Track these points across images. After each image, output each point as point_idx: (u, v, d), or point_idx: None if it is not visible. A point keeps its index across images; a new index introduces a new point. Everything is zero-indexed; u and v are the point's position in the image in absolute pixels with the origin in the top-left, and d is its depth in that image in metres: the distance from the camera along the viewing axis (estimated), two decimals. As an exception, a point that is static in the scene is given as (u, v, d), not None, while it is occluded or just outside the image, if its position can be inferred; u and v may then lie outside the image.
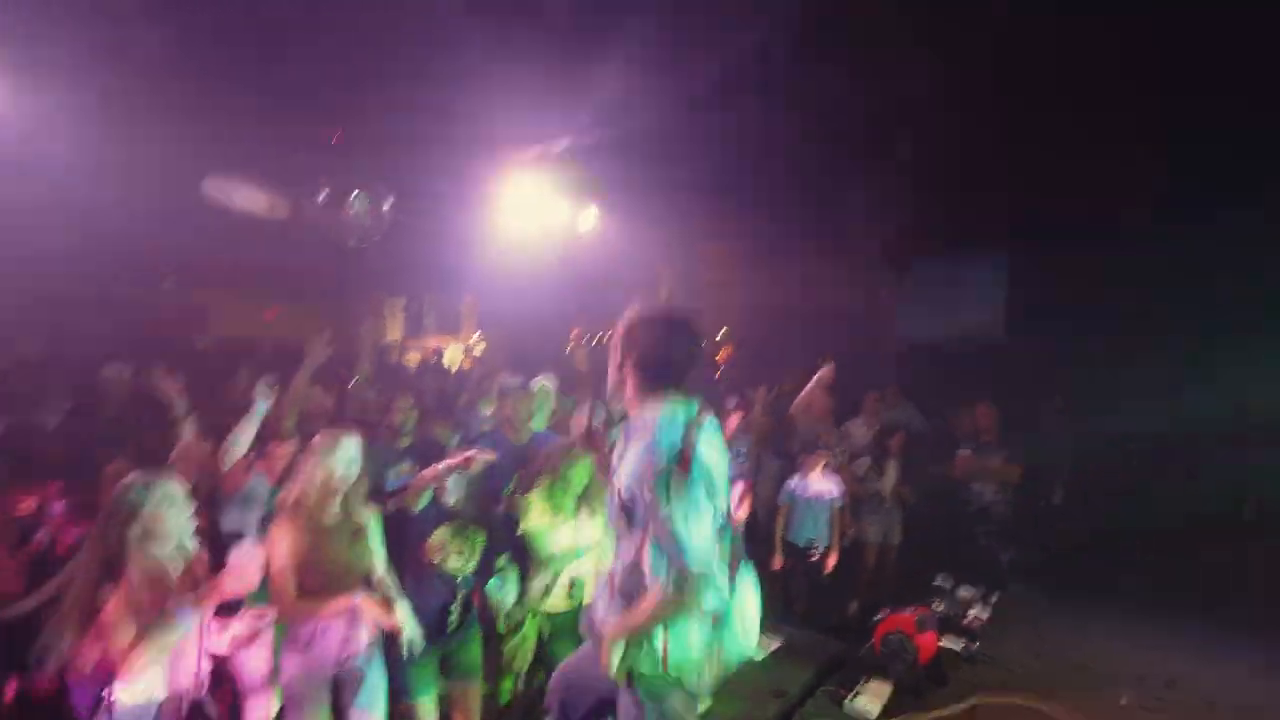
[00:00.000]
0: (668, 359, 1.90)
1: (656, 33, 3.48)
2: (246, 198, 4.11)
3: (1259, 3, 3.16)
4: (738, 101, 4.18)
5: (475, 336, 12.00)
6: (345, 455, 2.58)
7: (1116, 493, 5.07)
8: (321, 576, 2.49)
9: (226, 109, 3.69)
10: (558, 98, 4.25)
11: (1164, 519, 4.95)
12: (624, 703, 1.94)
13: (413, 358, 9.92)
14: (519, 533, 3.17)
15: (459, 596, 2.92)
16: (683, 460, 1.77)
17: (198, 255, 6.37)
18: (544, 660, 3.14)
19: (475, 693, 2.99)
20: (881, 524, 5.09)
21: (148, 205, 4.59)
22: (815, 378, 4.39)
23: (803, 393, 4.54)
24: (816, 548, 4.55)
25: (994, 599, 4.37)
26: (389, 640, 2.64)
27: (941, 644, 3.58)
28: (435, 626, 2.85)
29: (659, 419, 1.85)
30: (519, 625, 3.09)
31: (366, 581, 2.62)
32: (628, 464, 1.85)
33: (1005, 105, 4.37)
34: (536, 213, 6.20)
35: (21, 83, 3.44)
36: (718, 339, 9.27)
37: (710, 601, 1.77)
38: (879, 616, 3.50)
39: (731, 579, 1.89)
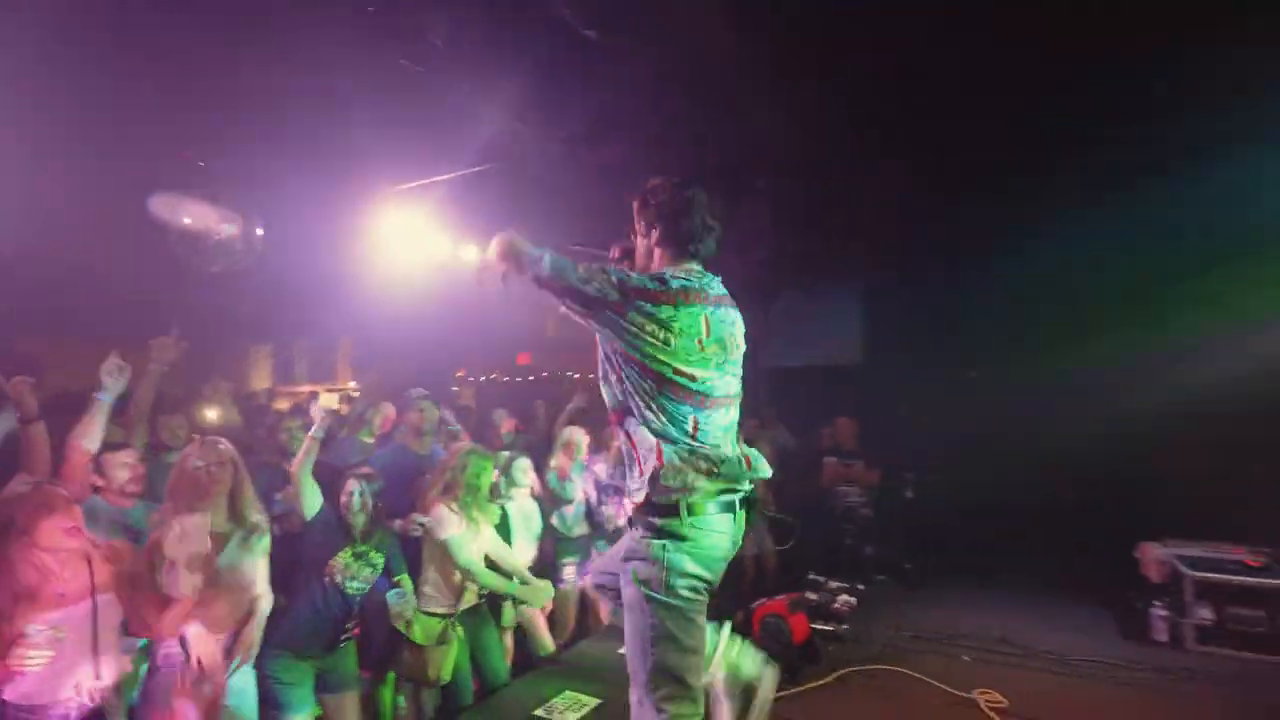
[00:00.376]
0: (695, 224, 1.99)
1: (532, 68, 3.73)
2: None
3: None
4: (612, 137, 4.50)
5: (352, 384, 11.52)
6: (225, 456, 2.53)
7: (960, 489, 5.72)
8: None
9: (79, 128, 3.53)
10: (434, 130, 4.38)
11: (1001, 509, 5.63)
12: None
13: (281, 405, 9.37)
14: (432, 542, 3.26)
15: (354, 615, 2.94)
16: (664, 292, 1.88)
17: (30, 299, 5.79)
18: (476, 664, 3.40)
19: (353, 702, 3.00)
20: (754, 536, 5.44)
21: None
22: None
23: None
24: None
25: (860, 588, 4.77)
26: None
27: (814, 626, 3.87)
28: (325, 644, 2.84)
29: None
30: (443, 635, 3.13)
31: (246, 595, 2.54)
32: None
33: (859, 147, 4.94)
34: (416, 249, 6.16)
35: None
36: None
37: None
38: (755, 604, 3.74)
39: None
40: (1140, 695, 3.43)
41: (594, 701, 3.24)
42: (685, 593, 1.89)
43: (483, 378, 10.22)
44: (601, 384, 2.05)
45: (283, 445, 3.68)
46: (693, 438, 1.91)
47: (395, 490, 3.39)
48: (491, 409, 6.15)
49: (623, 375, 1.94)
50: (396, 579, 3.11)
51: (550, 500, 4.31)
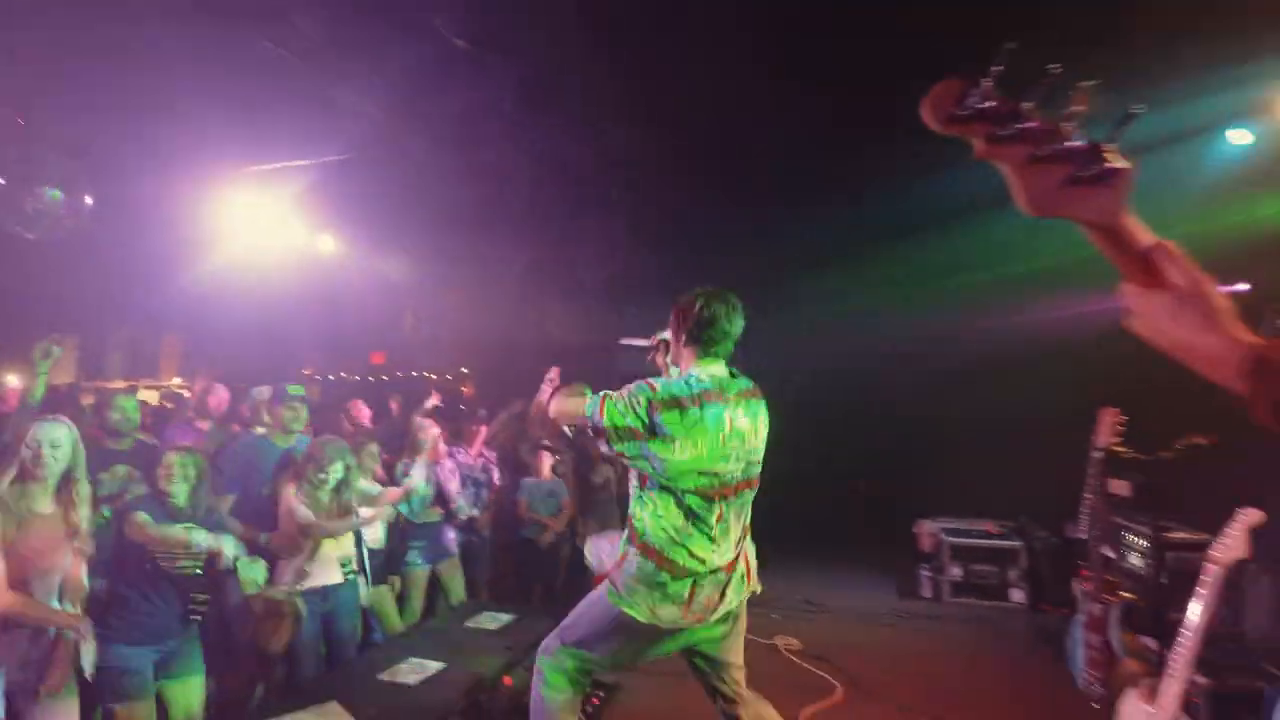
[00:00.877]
0: (710, 328, 2.21)
1: (400, 65, 3.90)
2: None
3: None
4: (475, 139, 4.74)
5: (177, 381, 10.54)
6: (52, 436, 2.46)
7: (785, 477, 6.48)
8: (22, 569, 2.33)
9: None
10: (289, 114, 4.38)
11: (817, 491, 6.46)
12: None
13: (87, 399, 8.42)
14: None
15: (195, 596, 2.89)
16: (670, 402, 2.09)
17: None
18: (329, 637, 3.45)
19: (197, 686, 2.96)
20: (600, 517, 5.82)
21: None
22: (546, 381, 5.04)
23: (537, 397, 5.15)
24: (552, 543, 5.08)
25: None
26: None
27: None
28: (162, 629, 2.78)
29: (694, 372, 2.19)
30: (278, 608, 3.12)
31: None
32: None
33: (705, 166, 5.50)
34: (266, 236, 5.93)
35: None
36: (463, 372, 9.55)
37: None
38: (596, 575, 4.11)
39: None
40: (906, 635, 4.21)
41: (438, 665, 3.41)
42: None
43: (330, 376, 9.83)
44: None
45: (111, 426, 3.52)
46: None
47: (258, 481, 3.46)
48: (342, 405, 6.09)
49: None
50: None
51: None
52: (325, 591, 3.43)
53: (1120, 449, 2.56)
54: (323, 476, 3.41)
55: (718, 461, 2.12)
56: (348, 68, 3.81)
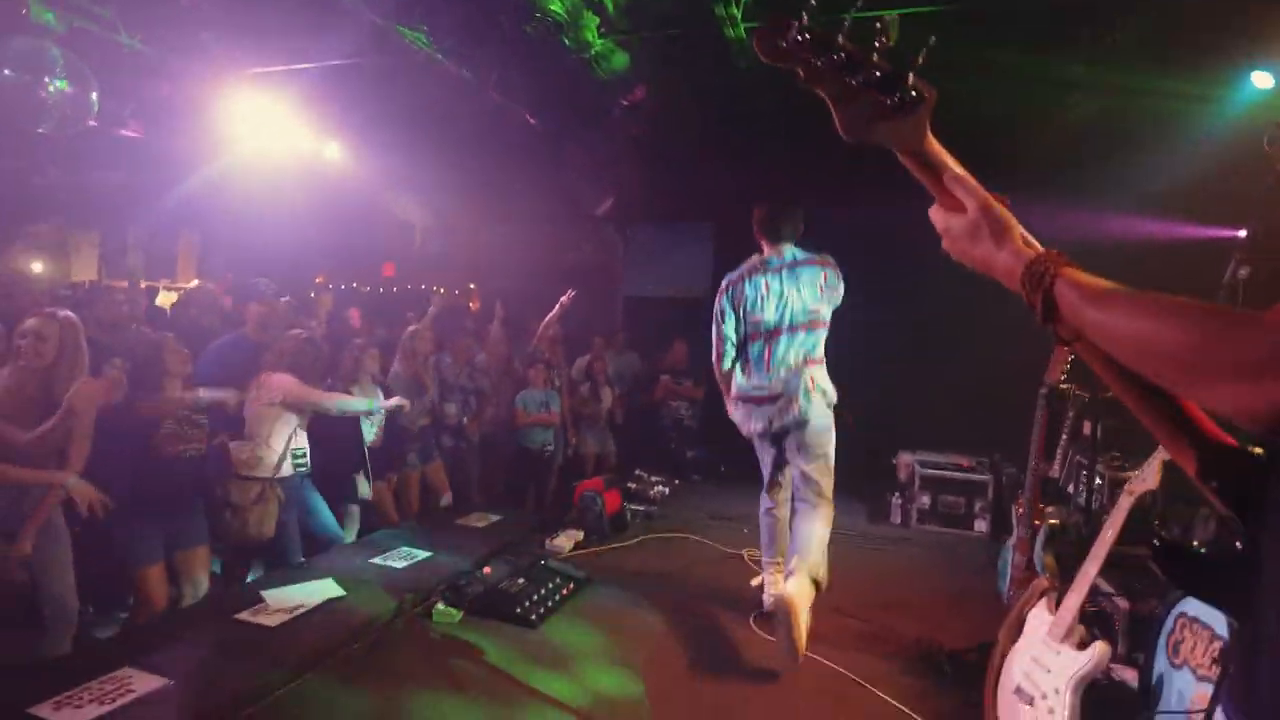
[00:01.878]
0: (767, 221, 3.27)
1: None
2: None
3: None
4: (478, 56, 4.68)
5: (195, 283, 10.80)
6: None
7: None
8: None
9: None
10: (290, 16, 4.34)
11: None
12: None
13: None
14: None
15: (193, 476, 3.15)
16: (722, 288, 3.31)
17: None
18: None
19: (204, 555, 3.26)
20: (597, 439, 6.08)
21: None
22: (558, 304, 5.25)
23: (547, 317, 5.35)
24: (548, 448, 5.34)
25: (675, 483, 5.57)
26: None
27: (627, 505, 4.57)
28: (163, 508, 3.05)
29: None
30: (261, 494, 3.38)
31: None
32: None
33: (714, 90, 5.39)
34: (273, 141, 5.95)
35: None
36: (470, 288, 9.70)
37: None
38: (576, 484, 4.37)
39: None
40: (865, 554, 4.46)
41: (425, 554, 3.72)
42: None
43: (343, 285, 10.02)
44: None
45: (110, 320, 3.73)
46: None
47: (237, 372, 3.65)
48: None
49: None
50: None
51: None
52: (293, 479, 3.62)
53: (1065, 385, 2.66)
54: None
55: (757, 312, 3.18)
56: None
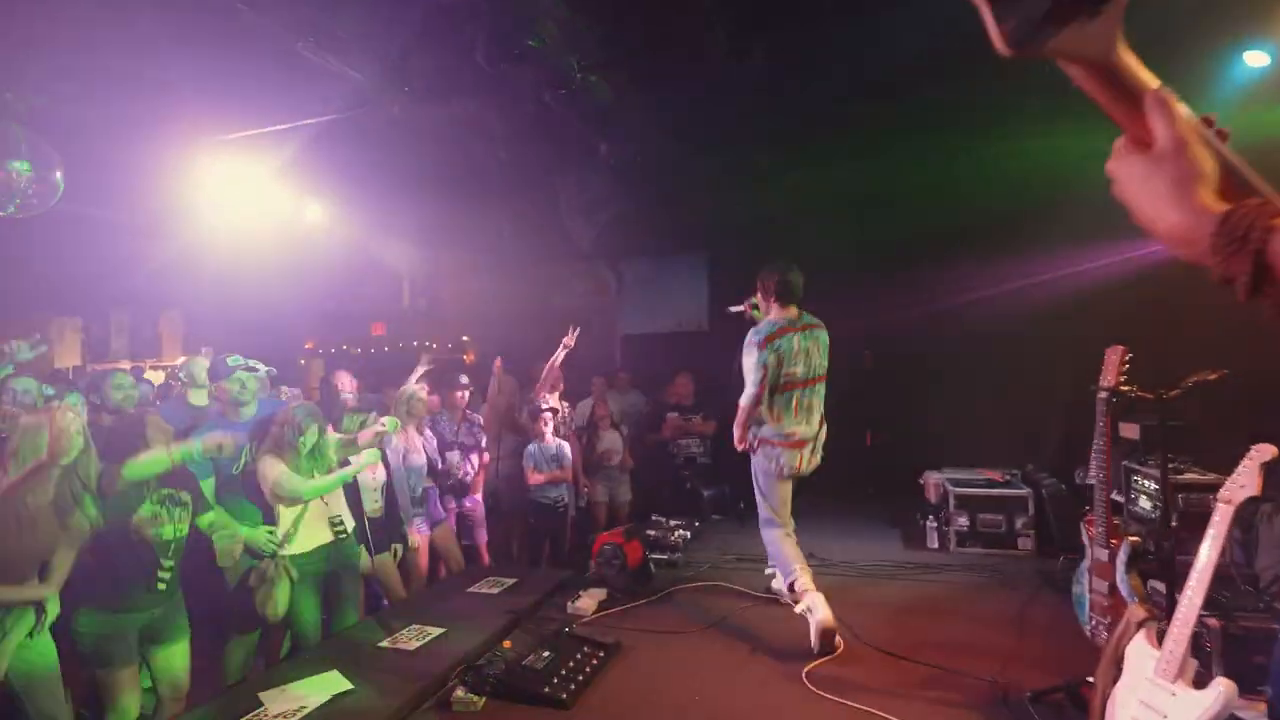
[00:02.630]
0: (784, 285, 3.67)
1: (372, 20, 3.72)
2: None
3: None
4: (454, 97, 4.56)
5: (181, 359, 10.56)
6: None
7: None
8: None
9: None
10: (263, 78, 4.21)
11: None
12: None
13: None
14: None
15: (169, 564, 2.88)
16: (763, 340, 3.56)
17: None
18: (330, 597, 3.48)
19: (183, 651, 2.97)
20: (610, 485, 5.78)
21: None
22: (561, 345, 5.05)
23: (550, 362, 5.13)
24: (562, 503, 5.07)
25: (696, 525, 5.27)
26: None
27: (650, 556, 4.27)
28: (140, 597, 2.78)
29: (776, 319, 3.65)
30: (264, 575, 3.13)
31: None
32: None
33: (702, 120, 5.28)
34: (248, 209, 5.77)
35: None
36: (464, 340, 9.48)
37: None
38: (593, 537, 4.08)
39: None
40: (910, 586, 4.17)
41: (437, 631, 3.41)
42: None
43: (332, 349, 9.79)
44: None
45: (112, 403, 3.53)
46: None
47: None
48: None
49: None
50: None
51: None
52: (318, 553, 3.41)
53: (1126, 388, 2.45)
54: (301, 439, 3.36)
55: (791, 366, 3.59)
56: (319, 27, 3.63)
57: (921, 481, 5.42)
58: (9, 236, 6.27)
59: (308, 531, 3.37)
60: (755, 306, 3.88)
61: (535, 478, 4.97)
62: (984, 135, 4.95)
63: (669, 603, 3.91)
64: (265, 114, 4.75)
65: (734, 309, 4.11)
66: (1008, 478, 5.08)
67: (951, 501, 4.85)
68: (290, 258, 7.10)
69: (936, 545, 4.92)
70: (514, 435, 5.67)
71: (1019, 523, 4.69)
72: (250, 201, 5.66)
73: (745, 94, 4.64)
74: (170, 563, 2.88)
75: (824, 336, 3.72)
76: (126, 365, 10.16)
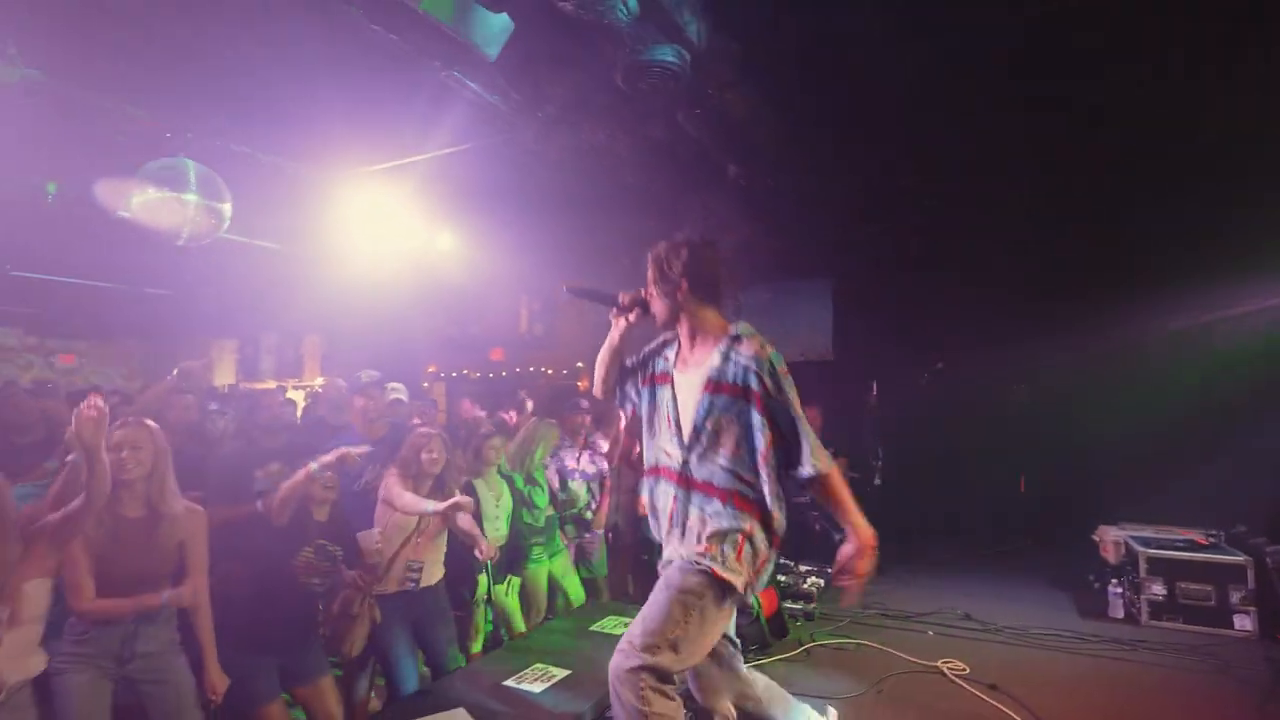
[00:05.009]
0: (716, 276, 2.14)
1: (509, 45, 3.73)
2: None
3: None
4: (585, 122, 4.52)
5: (320, 381, 11.31)
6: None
7: (926, 476, 5.84)
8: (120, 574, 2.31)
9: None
10: (405, 108, 4.34)
11: (966, 495, 5.77)
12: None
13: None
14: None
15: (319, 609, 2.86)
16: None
17: None
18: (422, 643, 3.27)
19: (329, 685, 2.92)
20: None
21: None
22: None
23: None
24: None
25: (829, 570, 4.81)
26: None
27: (784, 605, 3.90)
28: (281, 640, 2.75)
29: (728, 326, 2.11)
30: (345, 609, 3.02)
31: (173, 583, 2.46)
32: (707, 370, 2.06)
33: (830, 142, 4.99)
34: (386, 237, 6.02)
35: None
36: (578, 366, 9.48)
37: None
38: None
39: None
40: (1096, 664, 3.52)
41: (563, 673, 3.21)
42: None
43: (453, 374, 10.10)
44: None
45: (264, 422, 3.64)
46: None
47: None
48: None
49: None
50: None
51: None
52: (399, 597, 3.19)
53: None
54: (428, 462, 3.26)
55: None
56: (455, 53, 3.69)
57: (1096, 538, 4.69)
58: (180, 265, 6.93)
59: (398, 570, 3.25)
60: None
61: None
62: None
63: (810, 663, 3.51)
64: (408, 144, 4.92)
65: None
66: (1212, 539, 4.28)
67: (1142, 565, 4.13)
68: (421, 284, 7.38)
69: (1121, 615, 4.19)
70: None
71: (1235, 597, 3.90)
72: (388, 230, 5.91)
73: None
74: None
75: None
76: (273, 384, 11.05)
